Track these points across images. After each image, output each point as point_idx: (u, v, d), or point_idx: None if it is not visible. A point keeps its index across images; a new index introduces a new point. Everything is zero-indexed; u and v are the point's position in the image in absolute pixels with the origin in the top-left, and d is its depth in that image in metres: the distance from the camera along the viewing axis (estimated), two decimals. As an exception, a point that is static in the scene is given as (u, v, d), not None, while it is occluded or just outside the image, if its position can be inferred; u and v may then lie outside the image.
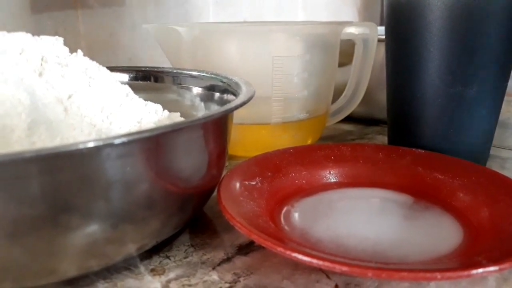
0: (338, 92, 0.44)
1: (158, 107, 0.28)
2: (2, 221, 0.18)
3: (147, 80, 0.36)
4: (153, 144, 0.21)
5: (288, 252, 0.20)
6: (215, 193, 0.27)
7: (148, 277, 0.23)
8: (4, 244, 0.19)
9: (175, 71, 0.36)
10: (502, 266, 0.19)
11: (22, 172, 0.17)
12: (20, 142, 0.21)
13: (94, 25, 0.53)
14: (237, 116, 0.28)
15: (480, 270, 0.19)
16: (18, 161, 0.17)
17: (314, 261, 0.19)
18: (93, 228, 0.20)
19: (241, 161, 0.31)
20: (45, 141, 0.21)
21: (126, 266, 0.24)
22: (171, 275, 0.23)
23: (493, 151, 0.40)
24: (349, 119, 0.47)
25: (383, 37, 0.38)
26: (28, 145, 0.21)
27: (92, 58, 0.28)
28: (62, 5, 0.49)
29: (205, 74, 0.34)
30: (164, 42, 0.39)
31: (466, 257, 0.22)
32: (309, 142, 0.42)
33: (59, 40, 0.27)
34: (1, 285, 0.20)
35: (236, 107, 0.24)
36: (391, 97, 0.38)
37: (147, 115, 0.27)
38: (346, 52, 0.43)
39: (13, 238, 0.19)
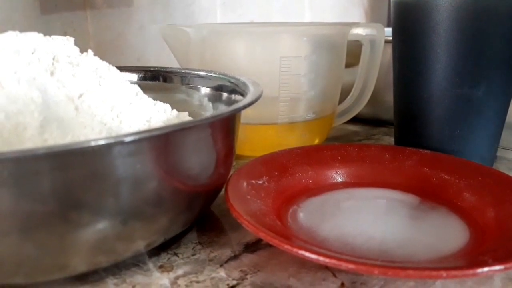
0: (345, 93, 0.44)
1: (167, 106, 0.28)
2: (14, 217, 0.18)
3: (156, 80, 0.37)
4: (162, 142, 0.21)
5: (295, 250, 0.20)
6: (222, 192, 0.27)
7: (156, 274, 0.23)
8: (16, 240, 0.19)
9: (183, 71, 0.36)
10: (508, 265, 0.19)
11: (34, 168, 0.18)
12: (32, 140, 0.21)
13: (103, 25, 0.53)
14: (245, 116, 0.29)
15: (486, 269, 0.19)
16: (31, 158, 0.17)
17: (321, 258, 0.20)
18: (103, 225, 0.20)
19: (248, 161, 0.31)
20: (56, 139, 0.22)
21: (135, 263, 0.24)
22: (179, 271, 0.23)
23: (500, 152, 0.40)
24: (355, 119, 0.48)
25: (390, 38, 0.38)
26: (40, 142, 0.21)
27: (101, 58, 0.28)
28: (71, 6, 0.50)
29: (213, 74, 0.34)
30: (173, 42, 0.40)
31: (472, 256, 0.23)
32: (315, 142, 0.42)
33: (70, 40, 0.28)
34: (13, 279, 0.21)
35: (244, 107, 0.25)
36: (398, 98, 0.38)
37: (156, 114, 0.27)
38: (353, 53, 0.43)
39: (25, 233, 0.19)
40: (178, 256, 0.25)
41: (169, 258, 0.25)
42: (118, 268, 0.23)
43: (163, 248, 0.25)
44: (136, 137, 0.19)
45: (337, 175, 0.33)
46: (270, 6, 0.71)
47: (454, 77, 0.33)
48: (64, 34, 0.29)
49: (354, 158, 0.34)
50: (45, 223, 0.19)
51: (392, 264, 0.21)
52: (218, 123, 0.25)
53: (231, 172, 0.29)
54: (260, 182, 0.29)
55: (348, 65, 0.43)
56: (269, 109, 0.38)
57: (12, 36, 0.25)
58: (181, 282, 0.23)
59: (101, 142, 0.18)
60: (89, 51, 0.28)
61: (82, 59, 0.27)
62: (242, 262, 0.24)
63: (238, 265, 0.24)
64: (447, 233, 0.26)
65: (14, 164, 0.17)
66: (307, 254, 0.20)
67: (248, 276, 0.23)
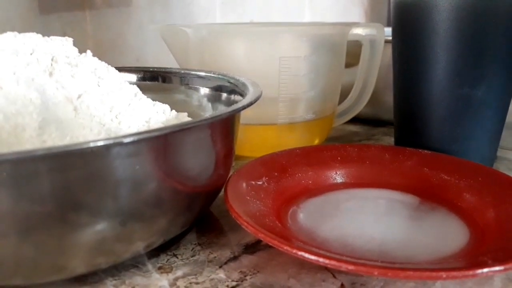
0: (345, 93, 0.44)
1: (166, 107, 0.28)
2: (13, 218, 0.18)
3: (155, 80, 0.37)
4: (161, 143, 0.21)
5: (294, 251, 0.20)
6: (222, 193, 0.27)
7: (155, 275, 0.23)
8: (14, 241, 0.19)
9: (182, 71, 0.36)
10: (507, 266, 0.19)
11: (33, 170, 0.18)
12: (31, 141, 0.21)
13: (102, 25, 0.53)
14: (244, 116, 0.29)
15: (485, 269, 0.19)
16: (30, 159, 0.17)
17: (321, 259, 0.20)
18: (102, 226, 0.20)
19: (248, 161, 0.31)
20: (55, 140, 0.22)
21: (134, 264, 0.24)
22: (179, 273, 0.23)
23: (500, 152, 0.40)
24: (355, 120, 0.47)
25: (390, 38, 0.38)
26: (39, 143, 0.21)
27: (100, 58, 0.28)
28: (70, 6, 0.50)
29: (213, 75, 0.34)
30: (172, 42, 0.40)
31: (472, 257, 0.22)
32: (315, 142, 0.42)
33: (69, 40, 0.28)
34: (12, 281, 0.21)
35: (243, 108, 0.25)
36: (398, 98, 0.38)
37: (155, 115, 0.27)
38: (353, 53, 0.43)
39: (24, 235, 0.19)
40: (177, 257, 0.25)
41: (168, 259, 0.25)
42: (117, 269, 0.23)
43: (163, 249, 0.25)
44: (135, 138, 0.19)
45: (337, 176, 0.33)
46: (270, 6, 0.71)
47: (454, 77, 0.33)
48: (63, 34, 0.29)
49: (354, 159, 0.33)
50: (43, 224, 0.19)
51: (392, 265, 0.21)
52: (218, 124, 0.25)
53: (230, 173, 0.28)
54: (260, 182, 0.29)
55: (348, 65, 0.43)
56: (269, 110, 0.38)
57: (10, 36, 0.25)
58: (180, 283, 0.22)
59: (100, 143, 0.18)
60: (88, 51, 0.28)
61: (81, 60, 0.26)
62: (241, 263, 0.24)
63: (237, 266, 0.24)
64: (447, 233, 0.26)
65: (12, 166, 0.17)
66: (307, 255, 0.20)
67: (247, 277, 0.23)
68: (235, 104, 0.25)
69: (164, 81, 0.36)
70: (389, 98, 0.40)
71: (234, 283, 0.22)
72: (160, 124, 0.27)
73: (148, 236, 0.23)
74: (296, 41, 0.38)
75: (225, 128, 0.26)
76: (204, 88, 0.35)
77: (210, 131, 0.24)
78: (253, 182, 0.29)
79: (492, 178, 0.29)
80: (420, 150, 0.33)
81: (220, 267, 0.24)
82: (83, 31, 0.51)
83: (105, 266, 0.23)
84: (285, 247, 0.20)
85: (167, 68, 0.37)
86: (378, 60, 0.42)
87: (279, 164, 0.31)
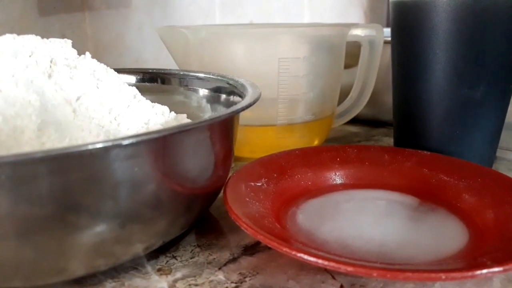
0: (344, 94, 0.44)
1: (165, 108, 0.28)
2: (12, 220, 0.18)
3: (154, 82, 0.37)
4: (160, 145, 0.21)
5: (293, 252, 0.20)
6: (221, 194, 0.27)
7: (155, 277, 0.23)
8: (14, 243, 0.19)
9: (181, 73, 0.36)
10: (507, 267, 0.19)
11: (32, 172, 0.18)
12: (30, 143, 0.21)
13: (101, 27, 0.53)
14: (243, 117, 0.29)
15: (485, 270, 0.19)
16: (28, 162, 0.17)
17: (320, 261, 0.20)
18: (101, 228, 0.20)
19: (247, 163, 0.31)
20: (54, 142, 0.22)
21: (133, 266, 0.24)
22: (178, 274, 0.23)
23: (499, 153, 0.40)
24: (355, 120, 0.47)
25: (389, 38, 0.38)
26: (38, 145, 0.21)
27: (99, 59, 0.28)
28: (70, 7, 0.50)
29: (212, 76, 0.34)
30: (171, 44, 0.40)
31: (471, 258, 0.22)
32: (315, 143, 0.42)
33: (68, 42, 0.28)
34: (11, 283, 0.21)
35: (242, 109, 0.25)
36: (397, 98, 0.38)
37: (154, 116, 0.27)
38: (352, 54, 0.43)
39: (23, 237, 0.19)
40: (176, 259, 0.25)
41: (167, 261, 0.25)
42: (117, 271, 0.23)
43: (162, 251, 0.25)
44: (134, 140, 0.19)
45: (336, 177, 0.33)
46: (270, 7, 0.71)
47: (453, 78, 0.33)
48: (63, 35, 0.29)
49: (353, 160, 0.33)
50: (43, 226, 0.19)
51: (391, 266, 0.21)
52: (217, 125, 0.25)
53: (229, 174, 0.28)
54: (259, 184, 0.29)
55: (347, 66, 0.43)
56: (268, 111, 0.38)
57: (9, 39, 0.25)
58: (179, 285, 0.22)
59: (99, 146, 0.18)
60: (87, 53, 0.28)
61: (80, 62, 0.26)
62: (241, 264, 0.24)
63: (237, 267, 0.24)
64: (446, 234, 0.26)
65: (11, 168, 0.17)
66: (306, 256, 0.20)
67: (247, 279, 0.23)
68: (234, 106, 0.25)
69: (163, 82, 0.36)
70: (388, 99, 0.40)
71: (233, 285, 0.22)
72: (159, 126, 0.27)
73: (147, 238, 0.23)
74: (295, 42, 0.38)
75: (224, 129, 0.26)
76: (203, 89, 0.35)
77: (209, 132, 0.24)
78: (252, 184, 0.29)
79: (492, 178, 0.29)
80: (419, 151, 0.33)
81: (220, 268, 0.24)
82: (83, 32, 0.51)
83: (105, 268, 0.23)
84: (284, 249, 0.20)
85: (166, 69, 0.37)
86: (377, 61, 0.42)
87: (278, 165, 0.31)
